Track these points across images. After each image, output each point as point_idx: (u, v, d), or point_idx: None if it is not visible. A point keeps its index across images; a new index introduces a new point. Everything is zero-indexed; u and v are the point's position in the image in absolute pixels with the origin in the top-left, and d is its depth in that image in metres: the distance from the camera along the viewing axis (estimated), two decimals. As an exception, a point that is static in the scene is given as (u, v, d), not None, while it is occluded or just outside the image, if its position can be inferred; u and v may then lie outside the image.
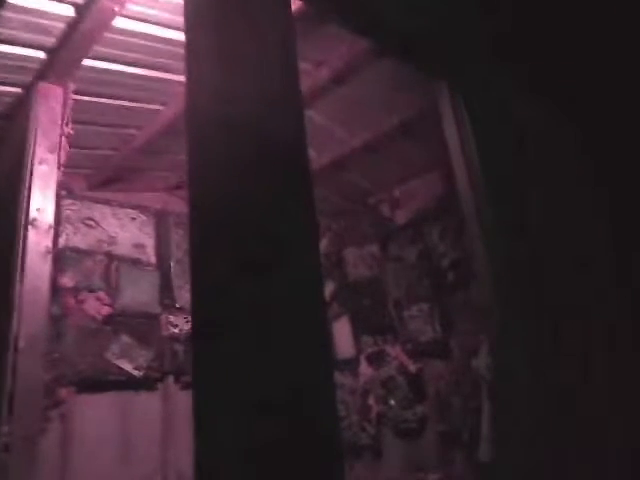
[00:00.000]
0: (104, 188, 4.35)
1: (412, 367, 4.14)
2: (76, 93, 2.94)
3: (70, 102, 2.80)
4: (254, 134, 1.55)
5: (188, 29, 1.68)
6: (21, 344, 2.29)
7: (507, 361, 2.43)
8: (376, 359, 4.40)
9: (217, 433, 1.20)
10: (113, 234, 4.25)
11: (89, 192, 4.25)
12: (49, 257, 2.47)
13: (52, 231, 2.53)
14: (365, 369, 4.45)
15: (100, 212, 4.25)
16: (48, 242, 2.49)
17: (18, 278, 2.37)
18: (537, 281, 2.61)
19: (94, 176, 4.22)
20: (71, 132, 2.73)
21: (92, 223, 4.12)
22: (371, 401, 4.33)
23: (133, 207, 4.47)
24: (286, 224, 1.53)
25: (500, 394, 2.62)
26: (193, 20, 1.69)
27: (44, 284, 2.42)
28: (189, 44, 1.63)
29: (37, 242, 2.47)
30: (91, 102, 3.22)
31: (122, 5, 2.38)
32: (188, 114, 1.62)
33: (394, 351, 4.27)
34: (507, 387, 2.39)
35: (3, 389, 2.25)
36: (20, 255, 2.41)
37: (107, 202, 4.34)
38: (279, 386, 1.32)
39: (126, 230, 4.35)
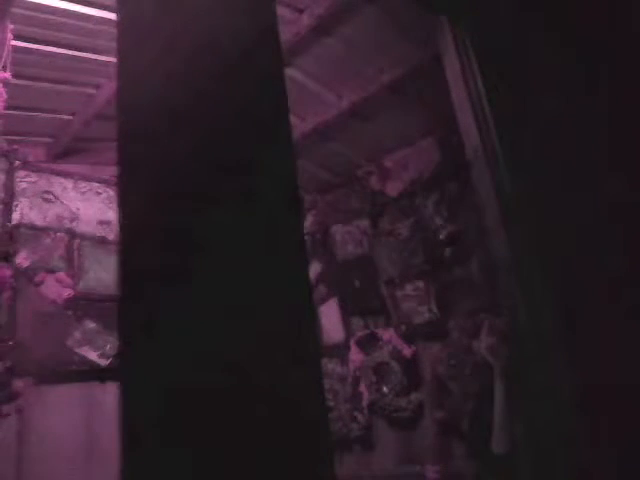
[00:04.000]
0: (65, 159, 3.92)
1: (406, 351, 3.80)
2: (18, 38, 2.53)
3: (8, 43, 2.38)
4: (218, 99, 1.15)
5: None
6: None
7: (524, 343, 2.09)
8: (367, 343, 4.06)
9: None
10: (75, 210, 3.84)
11: (48, 164, 3.83)
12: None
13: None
14: (355, 354, 4.11)
15: (61, 185, 3.83)
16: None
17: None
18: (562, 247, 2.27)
19: (53, 145, 3.80)
20: (8, 78, 2.31)
21: (51, 197, 3.70)
22: (362, 389, 4.00)
23: (99, 181, 4.05)
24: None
25: (519, 381, 2.29)
26: None
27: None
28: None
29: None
30: (39, 52, 2.81)
31: None
32: (120, 80, 1.20)
33: (387, 334, 3.93)
34: (527, 372, 2.05)
35: None
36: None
37: (69, 175, 3.91)
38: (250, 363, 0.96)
39: (90, 206, 3.94)
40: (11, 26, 2.42)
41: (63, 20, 2.61)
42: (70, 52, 2.87)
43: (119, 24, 1.12)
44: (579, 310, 2.29)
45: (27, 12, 2.48)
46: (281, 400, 0.95)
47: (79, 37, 2.79)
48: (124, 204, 1.00)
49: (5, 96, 2.31)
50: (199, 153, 1.05)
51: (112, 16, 2.67)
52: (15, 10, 2.41)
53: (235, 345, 0.95)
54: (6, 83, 2.33)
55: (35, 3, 2.43)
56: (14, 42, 2.48)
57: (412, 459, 3.71)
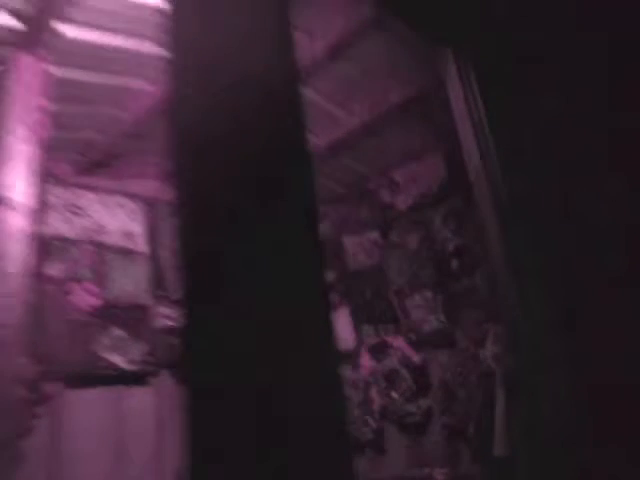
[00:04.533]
0: (91, 174, 4.14)
1: (416, 358, 3.96)
2: (56, 67, 2.75)
3: (48, 76, 2.60)
4: (244, 116, 1.35)
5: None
6: (-4, 334, 2.10)
7: (526, 350, 2.26)
8: (378, 351, 4.23)
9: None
10: (101, 222, 4.05)
11: (75, 178, 4.05)
12: (28, 242, 2.28)
13: (32, 215, 2.34)
14: (366, 361, 4.27)
15: (87, 199, 4.05)
16: (26, 225, 2.30)
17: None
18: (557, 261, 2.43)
19: (80, 161, 4.01)
20: (50, 108, 2.53)
21: (78, 211, 3.92)
22: (373, 394, 4.16)
23: (122, 194, 4.27)
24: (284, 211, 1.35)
25: (519, 385, 2.45)
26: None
27: (21, 270, 2.23)
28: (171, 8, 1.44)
29: (13, 225, 2.28)
30: (72, 78, 3.02)
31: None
32: (170, 90, 1.42)
33: (397, 342, 4.10)
34: (527, 378, 2.22)
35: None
36: (-6, 238, 2.22)
37: (94, 189, 4.13)
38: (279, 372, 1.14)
39: (115, 218, 4.15)
40: (49, 57, 2.65)
41: (94, 51, 2.82)
42: (100, 79, 3.08)
43: (171, 63, 1.33)
44: (579, 317, 2.45)
45: (61, 44, 2.69)
46: (306, 399, 1.14)
47: (108, 65, 3.00)
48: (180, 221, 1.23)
49: (47, 124, 2.52)
50: (232, 172, 1.26)
51: (136, 46, 2.89)
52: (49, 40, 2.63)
53: (263, 355, 1.13)
54: (47, 111, 2.55)
55: (71, 38, 2.64)
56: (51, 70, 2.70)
57: (421, 462, 3.86)
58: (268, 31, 1.51)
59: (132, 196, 4.31)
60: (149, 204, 4.40)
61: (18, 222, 2.30)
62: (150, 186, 4.49)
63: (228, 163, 1.30)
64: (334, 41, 3.11)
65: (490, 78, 2.75)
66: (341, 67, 3.33)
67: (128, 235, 4.16)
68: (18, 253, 2.26)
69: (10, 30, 2.50)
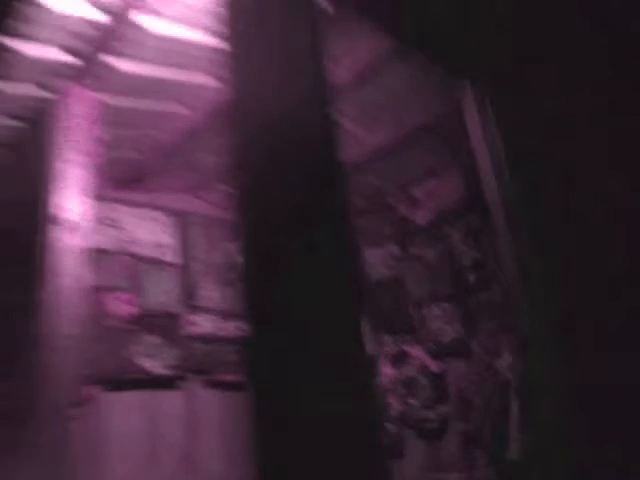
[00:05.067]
0: (125, 188, 4.39)
1: (433, 367, 4.14)
2: (103, 96, 2.98)
3: (99, 105, 2.83)
4: (289, 133, 1.60)
5: (230, 38, 1.72)
6: (56, 343, 2.33)
7: (536, 361, 2.43)
8: (397, 359, 4.41)
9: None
10: (135, 234, 4.29)
11: (111, 193, 4.29)
12: (83, 257, 2.50)
13: (86, 232, 2.57)
14: (386, 369, 4.46)
15: (122, 213, 4.29)
16: (81, 243, 2.53)
17: (45, 278, 2.41)
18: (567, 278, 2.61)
19: (115, 177, 4.26)
20: (104, 137, 2.76)
21: (114, 223, 4.16)
22: (392, 401, 4.34)
23: (154, 207, 4.51)
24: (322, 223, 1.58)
25: (529, 394, 2.63)
26: (233, 29, 1.73)
27: (77, 284, 2.45)
28: (231, 50, 1.68)
29: (69, 243, 2.51)
30: (115, 105, 3.25)
31: (154, 11, 2.41)
32: (232, 112, 1.67)
33: (415, 351, 4.27)
34: (536, 386, 2.40)
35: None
36: (50, 256, 2.45)
37: (128, 202, 4.38)
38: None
39: (148, 230, 4.39)
40: (99, 88, 2.88)
41: (138, 81, 3.05)
42: (141, 105, 3.31)
43: (233, 94, 1.57)
44: (584, 324, 2.62)
45: (110, 75, 2.92)
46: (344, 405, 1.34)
47: (149, 92, 3.23)
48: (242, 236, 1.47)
49: (97, 149, 2.75)
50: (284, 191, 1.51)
51: (175, 75, 3.11)
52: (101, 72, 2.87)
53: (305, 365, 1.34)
54: (97, 137, 2.78)
55: (120, 70, 2.87)
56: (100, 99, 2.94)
57: (438, 467, 4.03)
58: (306, 68, 1.76)
59: (164, 209, 4.55)
60: (180, 217, 4.63)
61: (72, 240, 2.53)
62: (180, 199, 4.73)
63: (280, 184, 1.54)
64: (359, 68, 3.32)
65: (504, 104, 2.95)
66: (365, 92, 3.53)
67: (160, 247, 4.39)
68: (73, 268, 2.49)
69: (65, 64, 2.74)
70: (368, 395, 1.39)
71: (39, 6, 2.31)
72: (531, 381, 2.61)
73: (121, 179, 4.27)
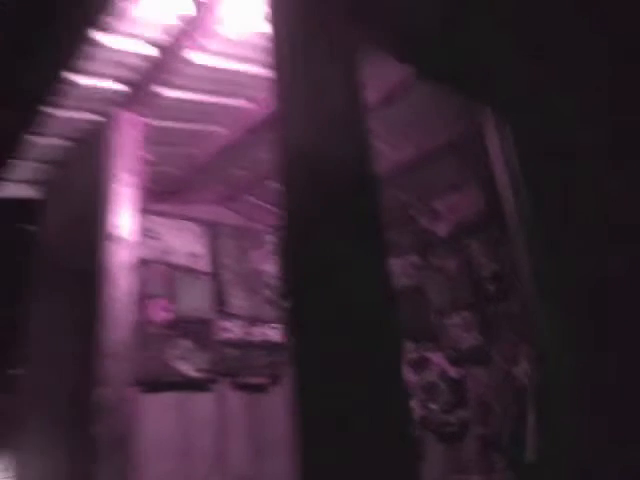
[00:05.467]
0: (162, 201, 4.64)
1: (453, 373, 4.32)
2: (148, 119, 3.23)
3: (146, 129, 3.08)
4: (329, 153, 1.84)
5: (275, 67, 1.96)
6: (108, 349, 2.57)
7: (551, 369, 2.61)
8: (418, 365, 4.59)
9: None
10: (170, 244, 4.54)
11: (148, 205, 4.54)
12: (133, 270, 2.74)
13: (135, 246, 2.81)
14: (407, 374, 4.64)
15: (158, 224, 4.54)
16: (131, 256, 2.77)
17: (104, 289, 2.65)
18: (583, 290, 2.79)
19: (153, 190, 4.51)
20: (147, 156, 3.00)
21: (152, 234, 4.41)
22: (413, 405, 4.52)
23: (188, 218, 4.76)
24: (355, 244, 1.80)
25: (544, 400, 2.80)
26: (278, 59, 1.97)
27: (129, 295, 2.70)
28: (278, 87, 1.91)
29: (121, 257, 2.75)
30: (157, 126, 3.50)
31: (200, 45, 2.64)
32: (279, 145, 1.91)
33: (436, 358, 4.45)
34: (551, 393, 2.58)
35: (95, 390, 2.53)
36: (106, 269, 2.69)
37: (164, 214, 4.63)
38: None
39: (182, 240, 4.63)
40: (146, 113, 3.13)
41: (182, 105, 3.29)
42: (181, 125, 3.56)
43: (278, 119, 1.81)
44: (598, 336, 2.79)
45: (157, 101, 3.17)
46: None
47: (190, 115, 3.47)
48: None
49: (144, 169, 3.00)
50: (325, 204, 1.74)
51: (215, 100, 3.34)
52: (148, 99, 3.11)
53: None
54: (144, 159, 3.03)
55: (166, 96, 3.12)
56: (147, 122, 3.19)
57: (458, 469, 4.21)
58: (343, 93, 2.00)
59: (197, 220, 4.80)
60: (211, 227, 4.87)
61: (124, 254, 2.77)
62: (212, 211, 4.98)
63: (320, 200, 1.78)
64: (386, 90, 3.52)
65: (521, 126, 3.14)
66: (390, 112, 3.73)
67: (193, 256, 4.64)
68: (124, 280, 2.73)
69: (115, 91, 2.99)
70: (400, 398, 1.59)
71: (98, 44, 2.56)
72: (547, 388, 2.78)
73: (157, 192, 4.52)
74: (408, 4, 2.72)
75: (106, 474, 2.55)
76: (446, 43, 2.89)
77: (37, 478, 3.43)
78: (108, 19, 2.37)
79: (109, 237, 2.72)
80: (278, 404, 4.79)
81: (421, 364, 4.57)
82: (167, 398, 4.20)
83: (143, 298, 4.19)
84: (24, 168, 3.67)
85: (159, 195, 4.57)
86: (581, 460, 2.34)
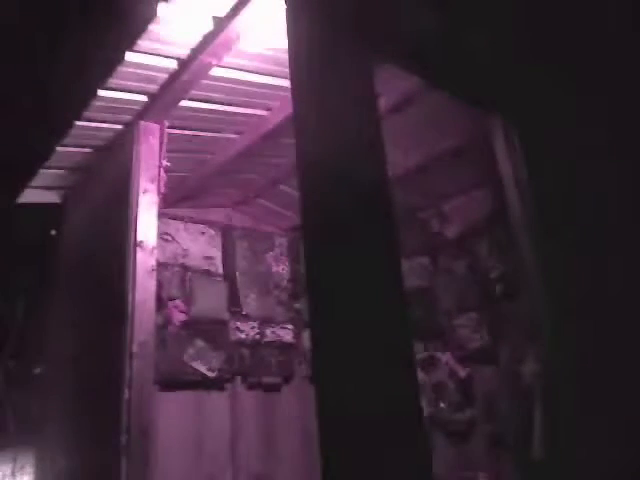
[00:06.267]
0: (177, 205, 4.78)
1: (462, 372, 4.42)
2: (167, 128, 3.36)
3: (166, 137, 3.21)
4: (348, 172, 1.96)
5: (293, 77, 2.08)
6: (134, 349, 2.70)
7: (555, 369, 2.72)
8: (427, 364, 4.70)
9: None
10: (186, 247, 4.68)
11: (165, 209, 4.67)
12: (154, 274, 2.87)
13: (155, 251, 2.94)
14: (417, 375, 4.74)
15: (174, 227, 4.68)
16: (152, 261, 2.90)
17: (130, 292, 2.79)
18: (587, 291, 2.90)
19: (169, 195, 4.64)
20: (168, 164, 3.13)
21: (168, 237, 4.55)
22: (422, 404, 4.62)
23: (202, 222, 4.89)
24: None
25: (549, 399, 2.90)
26: (297, 78, 2.09)
27: (151, 297, 2.83)
28: (295, 97, 2.03)
29: (144, 261, 2.88)
30: (175, 134, 3.63)
31: (219, 58, 2.76)
32: (297, 152, 2.03)
33: (444, 357, 4.56)
34: (555, 392, 2.68)
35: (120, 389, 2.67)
36: (131, 273, 2.82)
37: (180, 218, 4.77)
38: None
39: (197, 243, 4.77)
40: (166, 122, 3.26)
41: (191, 114, 3.42)
42: (198, 134, 3.69)
43: (297, 126, 1.92)
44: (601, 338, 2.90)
45: (177, 111, 3.30)
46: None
47: (207, 123, 3.60)
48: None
49: (165, 177, 3.13)
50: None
51: (225, 109, 3.47)
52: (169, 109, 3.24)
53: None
54: (164, 166, 3.16)
55: (186, 107, 3.25)
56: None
57: (466, 466, 4.32)
58: (358, 104, 2.12)
59: (210, 223, 4.93)
60: (224, 230, 5.01)
61: (146, 259, 2.90)
62: (225, 214, 5.11)
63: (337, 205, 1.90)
64: (395, 100, 3.64)
65: (529, 132, 3.25)
66: (400, 119, 3.85)
67: (208, 258, 4.77)
68: (148, 284, 2.86)
69: (136, 103, 3.12)
70: (413, 395, 1.70)
71: (124, 61, 2.69)
72: (551, 387, 2.89)
73: (173, 197, 4.65)
74: (416, 18, 2.84)
75: (129, 469, 2.67)
76: (453, 53, 3.00)
77: (57, 474, 3.57)
78: (136, 39, 2.50)
79: (133, 242, 2.85)
80: (290, 403, 4.93)
81: (430, 364, 4.68)
82: (183, 396, 4.33)
83: (161, 300, 4.34)
84: (47, 175, 3.81)
85: (175, 200, 4.71)
86: (583, 459, 2.44)
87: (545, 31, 3.47)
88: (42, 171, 3.74)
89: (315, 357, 1.70)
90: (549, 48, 3.46)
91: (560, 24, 3.49)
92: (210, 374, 4.38)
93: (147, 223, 2.98)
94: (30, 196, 4.04)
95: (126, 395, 2.60)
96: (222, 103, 3.31)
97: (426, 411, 4.61)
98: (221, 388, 4.57)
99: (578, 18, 3.50)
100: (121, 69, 2.79)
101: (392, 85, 3.54)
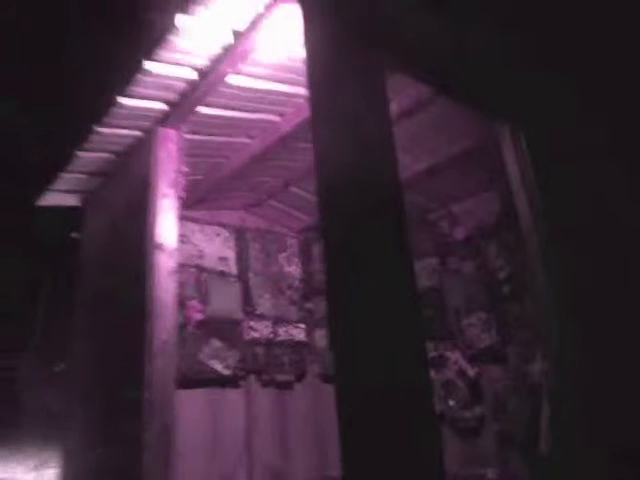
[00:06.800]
0: (192, 208, 4.90)
1: (471, 371, 4.51)
2: (185, 134, 3.48)
3: (184, 143, 3.33)
4: (360, 167, 2.08)
5: (310, 87, 2.19)
6: (156, 348, 2.82)
7: (561, 367, 2.82)
8: (436, 363, 4.79)
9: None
10: (201, 249, 4.80)
11: (181, 212, 4.79)
12: (174, 275, 2.99)
13: (175, 253, 3.06)
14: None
15: (190, 229, 4.80)
16: (173, 263, 3.02)
17: (151, 293, 2.91)
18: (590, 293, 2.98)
19: (186, 198, 4.76)
20: (186, 169, 3.25)
21: (184, 239, 4.66)
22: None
23: (218, 224, 5.01)
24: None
25: (556, 396, 3.00)
26: (313, 80, 2.20)
27: (172, 298, 2.95)
28: (312, 105, 2.15)
29: (164, 263, 3.00)
30: (192, 139, 3.75)
31: (236, 68, 2.88)
32: (317, 165, 2.13)
33: (454, 356, 4.66)
34: (561, 390, 2.78)
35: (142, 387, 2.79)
36: (152, 274, 2.94)
37: (195, 220, 4.89)
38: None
39: (212, 245, 4.89)
40: (185, 129, 3.38)
41: (209, 121, 3.53)
42: (214, 138, 3.80)
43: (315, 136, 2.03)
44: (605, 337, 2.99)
45: (195, 118, 3.41)
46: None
47: (223, 129, 3.71)
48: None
49: (183, 181, 3.25)
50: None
51: (241, 116, 3.58)
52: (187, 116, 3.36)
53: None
54: (183, 171, 3.28)
55: (204, 113, 3.37)
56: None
57: (475, 462, 4.41)
58: (371, 111, 2.23)
59: (225, 225, 5.05)
60: (238, 232, 5.13)
61: (168, 261, 3.02)
62: (239, 216, 5.23)
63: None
64: (405, 105, 3.73)
65: (536, 138, 3.35)
66: (410, 123, 3.95)
67: (222, 259, 4.89)
68: (168, 285, 2.98)
69: (156, 110, 3.24)
70: (427, 392, 1.81)
71: (145, 71, 2.81)
72: (558, 385, 2.98)
73: (190, 199, 4.77)
74: (426, 30, 2.94)
75: (151, 465, 2.79)
76: (461, 63, 3.10)
77: (80, 469, 3.70)
78: (157, 50, 2.62)
79: (153, 245, 2.97)
80: (302, 399, 5.05)
81: (440, 362, 4.77)
82: (200, 394, 4.46)
83: (180, 300, 4.46)
84: (68, 179, 3.94)
85: (190, 202, 4.83)
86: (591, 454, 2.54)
87: (549, 39, 3.57)
88: (63, 175, 3.87)
89: (334, 355, 1.81)
90: (554, 55, 3.55)
91: (564, 31, 3.59)
92: (225, 372, 4.50)
93: (167, 226, 3.10)
94: (51, 199, 4.18)
95: (148, 394, 2.72)
96: (237, 109, 3.43)
97: (436, 409, 4.70)
98: (236, 386, 4.69)
99: (582, 25, 3.59)
100: (141, 78, 2.91)
101: (403, 91, 3.64)
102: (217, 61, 2.82)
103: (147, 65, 2.79)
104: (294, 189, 5.02)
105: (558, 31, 3.62)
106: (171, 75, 2.92)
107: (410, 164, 4.43)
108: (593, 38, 3.59)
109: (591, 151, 3.58)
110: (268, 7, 2.48)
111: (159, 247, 3.00)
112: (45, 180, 4.01)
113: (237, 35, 2.65)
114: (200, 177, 4.48)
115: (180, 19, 2.52)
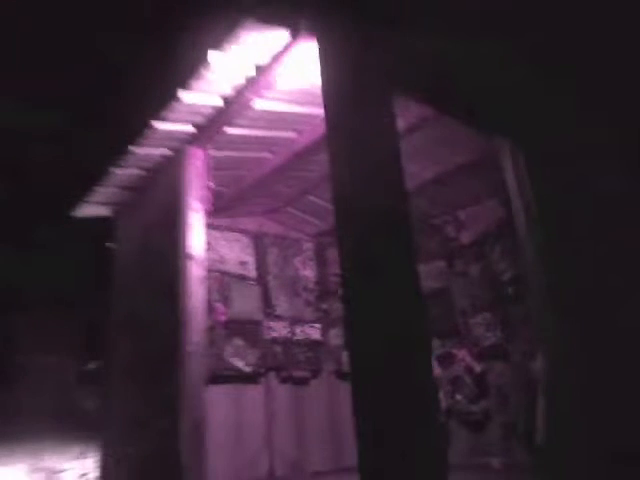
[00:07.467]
0: (214, 216, 5.22)
1: (476, 368, 4.81)
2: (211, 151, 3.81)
3: (210, 160, 3.65)
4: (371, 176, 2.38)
5: (326, 106, 2.50)
6: (189, 349, 3.14)
7: (558, 364, 3.10)
8: (444, 360, 5.09)
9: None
10: (223, 254, 5.14)
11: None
12: (204, 282, 3.32)
13: (204, 262, 3.38)
14: (434, 369, 5.14)
15: (212, 236, 5.13)
16: (202, 272, 3.35)
17: (183, 300, 3.24)
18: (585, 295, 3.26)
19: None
20: (212, 185, 3.58)
21: (208, 246, 4.99)
22: (440, 396, 5.02)
23: (238, 231, 5.35)
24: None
25: (551, 392, 3.28)
26: (329, 102, 2.51)
27: (202, 303, 3.28)
28: (329, 124, 2.45)
29: (195, 271, 3.33)
30: (217, 155, 4.07)
31: (259, 95, 3.19)
32: (332, 177, 2.44)
33: (460, 353, 4.95)
34: (557, 386, 3.07)
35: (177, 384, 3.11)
36: (184, 282, 3.27)
37: (217, 227, 5.22)
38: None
39: (232, 250, 5.23)
40: (212, 147, 3.71)
41: (233, 139, 3.85)
42: (235, 154, 4.13)
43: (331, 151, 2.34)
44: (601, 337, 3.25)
45: (222, 137, 3.74)
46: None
47: (245, 144, 4.03)
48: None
49: (210, 196, 3.57)
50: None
51: (263, 134, 3.89)
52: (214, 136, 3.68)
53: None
54: (210, 187, 3.61)
55: (230, 133, 3.69)
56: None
57: (481, 452, 4.70)
58: (386, 144, 2.54)
59: (244, 232, 5.39)
60: (257, 238, 5.45)
61: (197, 270, 3.35)
62: (257, 222, 5.55)
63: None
64: (411, 122, 4.03)
65: (533, 153, 3.62)
66: (417, 137, 4.24)
67: (243, 264, 5.23)
68: (199, 291, 3.31)
69: (185, 132, 3.57)
70: (431, 390, 2.11)
71: (177, 98, 3.14)
72: (554, 380, 3.26)
73: (213, 208, 5.11)
74: (431, 56, 3.23)
75: (187, 452, 3.11)
76: (464, 85, 3.39)
77: (118, 460, 4.03)
78: (189, 80, 2.95)
79: (186, 255, 3.30)
80: (318, 395, 5.37)
81: (447, 359, 5.07)
82: (223, 390, 4.79)
83: (209, 304, 4.80)
84: (102, 192, 4.29)
85: (213, 211, 5.16)
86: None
87: (548, 52, 3.82)
88: (100, 189, 4.22)
89: (349, 352, 2.12)
90: (551, 68, 3.81)
91: (564, 33, 3.82)
92: (247, 369, 4.83)
93: (196, 237, 3.43)
94: (86, 210, 4.53)
95: (182, 390, 3.05)
96: (260, 129, 3.74)
97: (444, 403, 5.00)
98: (256, 382, 5.02)
99: (582, 25, 3.82)
100: (174, 104, 3.23)
101: (409, 109, 3.93)
102: (241, 90, 3.14)
103: (180, 94, 3.11)
104: (310, 197, 5.33)
105: (558, 33, 3.84)
106: (200, 102, 3.25)
107: (418, 174, 4.72)
108: (593, 38, 3.82)
109: (589, 152, 3.82)
110: (287, 45, 2.79)
111: (190, 257, 3.33)
112: (80, 193, 4.36)
113: (259, 69, 2.97)
114: (222, 188, 4.81)
115: (211, 54, 2.84)
